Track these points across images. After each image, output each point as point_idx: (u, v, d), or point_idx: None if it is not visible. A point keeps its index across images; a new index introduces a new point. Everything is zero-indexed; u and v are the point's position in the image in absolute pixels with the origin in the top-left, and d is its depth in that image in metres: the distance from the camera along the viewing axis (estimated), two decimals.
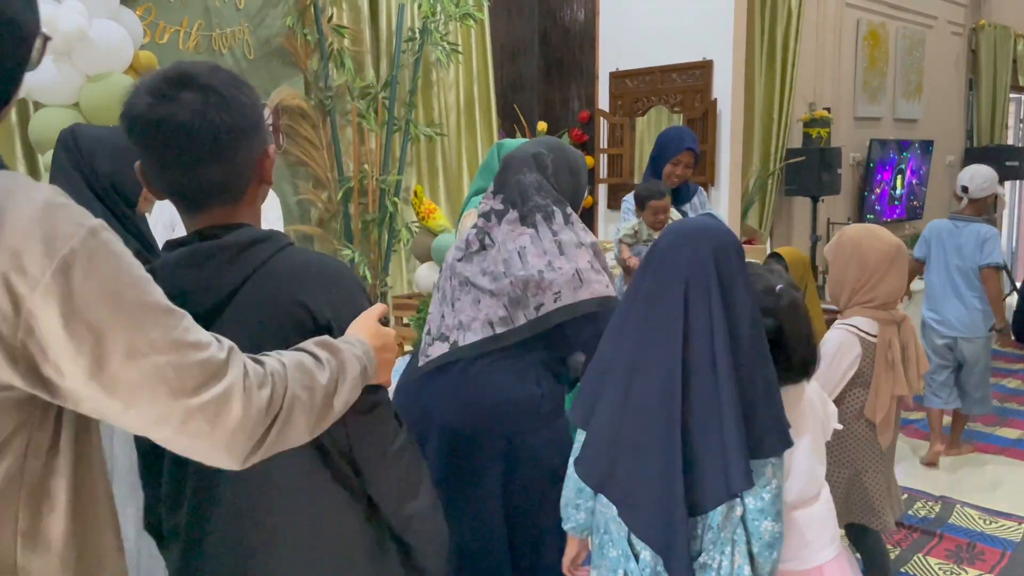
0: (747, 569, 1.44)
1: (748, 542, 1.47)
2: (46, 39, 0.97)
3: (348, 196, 4.36)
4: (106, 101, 2.88)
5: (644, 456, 1.41)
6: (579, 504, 1.56)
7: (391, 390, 1.44)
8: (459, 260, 1.96)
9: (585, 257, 1.87)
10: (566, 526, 1.59)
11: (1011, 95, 7.77)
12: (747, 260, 1.51)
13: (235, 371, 0.91)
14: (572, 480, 1.56)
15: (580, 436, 1.56)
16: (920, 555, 2.98)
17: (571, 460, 1.56)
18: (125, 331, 0.83)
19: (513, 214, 1.92)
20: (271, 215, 2.92)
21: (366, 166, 4.38)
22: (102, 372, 0.83)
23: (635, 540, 1.45)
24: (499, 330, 1.85)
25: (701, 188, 3.84)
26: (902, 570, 2.88)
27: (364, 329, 1.16)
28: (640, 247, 3.43)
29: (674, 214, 3.56)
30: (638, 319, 1.45)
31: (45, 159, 2.76)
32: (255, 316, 1.13)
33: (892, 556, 2.96)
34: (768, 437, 1.43)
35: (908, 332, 2.22)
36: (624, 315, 1.49)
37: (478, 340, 1.86)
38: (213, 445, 0.90)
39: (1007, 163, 7.03)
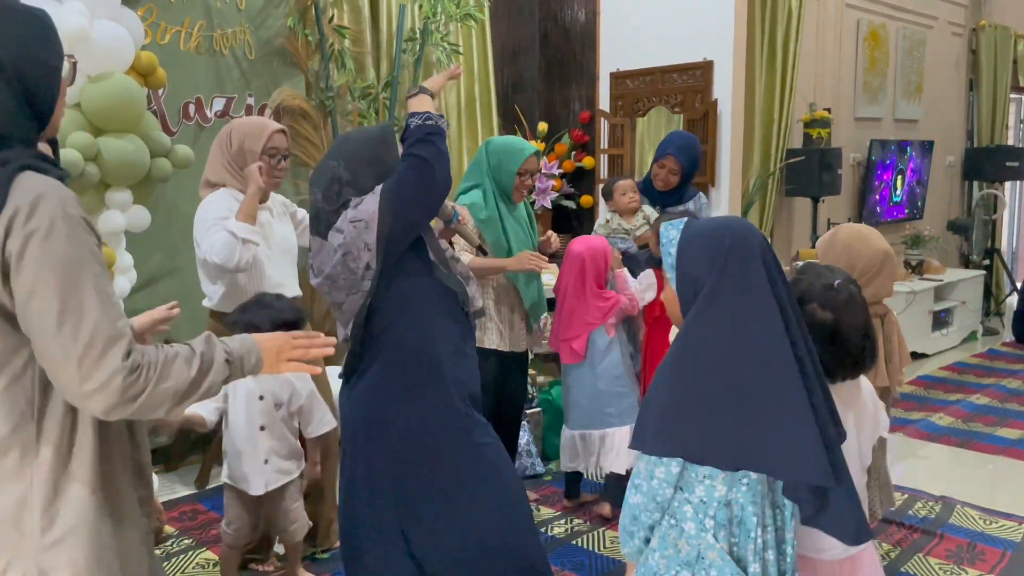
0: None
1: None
2: (74, 62, 1.30)
3: None
4: (107, 101, 2.88)
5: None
6: (633, 532, 1.51)
7: None
8: None
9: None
10: (624, 550, 1.54)
11: (1011, 95, 7.76)
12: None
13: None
14: (629, 508, 1.50)
15: (647, 465, 1.46)
16: (920, 555, 2.98)
17: (631, 489, 1.49)
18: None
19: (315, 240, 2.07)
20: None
21: None
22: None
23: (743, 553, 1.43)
24: None
25: (701, 193, 3.79)
26: (902, 570, 2.88)
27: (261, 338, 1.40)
28: (614, 239, 3.52)
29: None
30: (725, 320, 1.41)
31: None
32: None
33: (892, 556, 2.96)
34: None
35: (892, 325, 2.22)
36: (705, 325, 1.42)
37: None
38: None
39: (1007, 163, 7.04)
